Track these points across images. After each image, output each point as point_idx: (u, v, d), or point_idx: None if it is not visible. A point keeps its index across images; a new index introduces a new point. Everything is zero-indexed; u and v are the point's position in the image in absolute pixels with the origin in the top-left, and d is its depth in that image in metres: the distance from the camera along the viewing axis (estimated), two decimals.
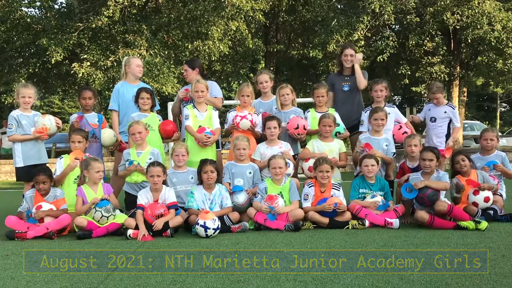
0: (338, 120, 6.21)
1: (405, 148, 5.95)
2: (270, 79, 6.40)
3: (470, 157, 5.60)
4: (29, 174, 5.53)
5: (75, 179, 5.61)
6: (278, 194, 5.36)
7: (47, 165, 5.82)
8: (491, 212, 5.28)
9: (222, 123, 6.62)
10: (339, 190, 5.42)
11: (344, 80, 6.62)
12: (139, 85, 6.52)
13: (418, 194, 5.11)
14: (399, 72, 18.67)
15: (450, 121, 6.40)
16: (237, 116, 6.05)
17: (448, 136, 6.40)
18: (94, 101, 6.43)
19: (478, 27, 15.46)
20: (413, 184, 5.13)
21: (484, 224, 4.84)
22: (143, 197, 5.22)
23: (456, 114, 6.47)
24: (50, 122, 5.77)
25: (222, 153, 6.72)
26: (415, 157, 5.74)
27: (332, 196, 5.33)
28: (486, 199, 5.27)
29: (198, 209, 5.23)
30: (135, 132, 5.69)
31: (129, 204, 5.73)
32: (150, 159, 5.66)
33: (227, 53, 16.21)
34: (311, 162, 5.75)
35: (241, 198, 5.46)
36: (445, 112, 6.38)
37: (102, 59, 15.00)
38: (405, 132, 6.14)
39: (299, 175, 6.35)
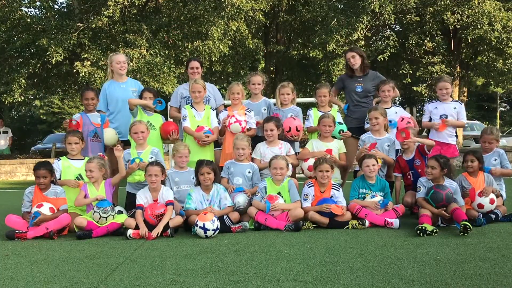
0: (340, 119, 6.21)
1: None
2: (263, 82, 6.37)
3: (480, 157, 5.47)
4: None
5: (76, 179, 5.61)
6: (278, 194, 5.34)
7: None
8: (493, 216, 5.26)
9: None
10: (338, 190, 5.41)
11: (357, 81, 6.58)
12: (126, 82, 6.52)
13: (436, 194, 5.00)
14: (400, 72, 18.67)
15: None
16: (231, 117, 5.97)
17: (456, 132, 6.20)
18: (96, 101, 6.39)
19: (478, 26, 15.48)
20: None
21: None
22: (142, 197, 5.22)
23: (463, 110, 6.20)
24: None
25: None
26: (410, 149, 5.83)
27: (332, 196, 5.33)
28: (492, 201, 5.26)
29: (196, 209, 5.24)
30: (138, 131, 5.68)
31: (130, 204, 5.72)
32: (152, 158, 5.66)
33: (227, 53, 16.21)
34: (310, 162, 5.75)
35: (242, 201, 5.43)
36: (455, 108, 6.15)
37: (102, 59, 15.00)
38: (408, 123, 6.08)
39: (298, 175, 6.34)
